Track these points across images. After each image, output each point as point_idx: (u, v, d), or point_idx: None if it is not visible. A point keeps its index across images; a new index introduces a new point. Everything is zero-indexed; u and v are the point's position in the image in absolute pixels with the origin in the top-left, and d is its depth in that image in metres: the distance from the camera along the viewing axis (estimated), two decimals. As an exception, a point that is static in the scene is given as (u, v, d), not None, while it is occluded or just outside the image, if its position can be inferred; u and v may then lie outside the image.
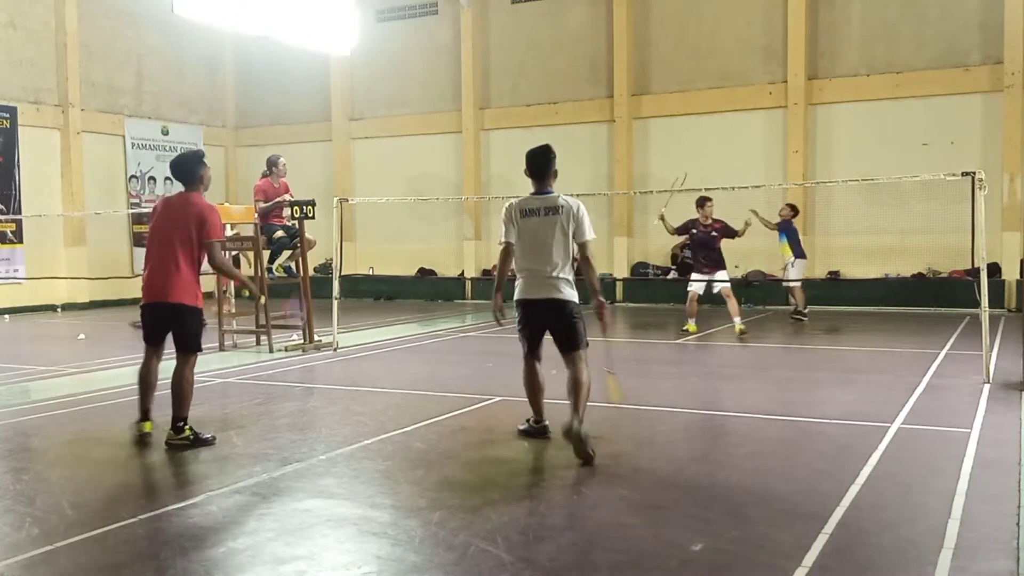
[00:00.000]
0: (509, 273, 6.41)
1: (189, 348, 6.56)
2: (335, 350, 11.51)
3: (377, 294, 20.75)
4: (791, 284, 14.61)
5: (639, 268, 18.78)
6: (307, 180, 19.67)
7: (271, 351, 11.45)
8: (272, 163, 12.22)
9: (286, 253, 12.38)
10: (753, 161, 17.67)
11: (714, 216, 12.84)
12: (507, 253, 6.34)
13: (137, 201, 20.60)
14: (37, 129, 18.60)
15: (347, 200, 13.92)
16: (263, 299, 6.75)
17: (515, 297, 6.32)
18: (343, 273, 12.52)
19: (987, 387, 8.20)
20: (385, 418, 7.38)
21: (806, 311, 14.55)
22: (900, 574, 3.97)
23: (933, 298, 15.87)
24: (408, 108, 21.24)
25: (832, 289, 16.98)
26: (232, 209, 13.12)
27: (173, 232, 6.44)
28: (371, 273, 21.04)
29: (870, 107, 16.97)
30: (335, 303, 11.87)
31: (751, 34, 17.91)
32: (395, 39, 21.07)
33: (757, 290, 17.30)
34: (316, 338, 11.88)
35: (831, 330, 13.81)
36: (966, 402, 7.61)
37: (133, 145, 20.63)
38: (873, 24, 16.99)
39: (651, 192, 17.33)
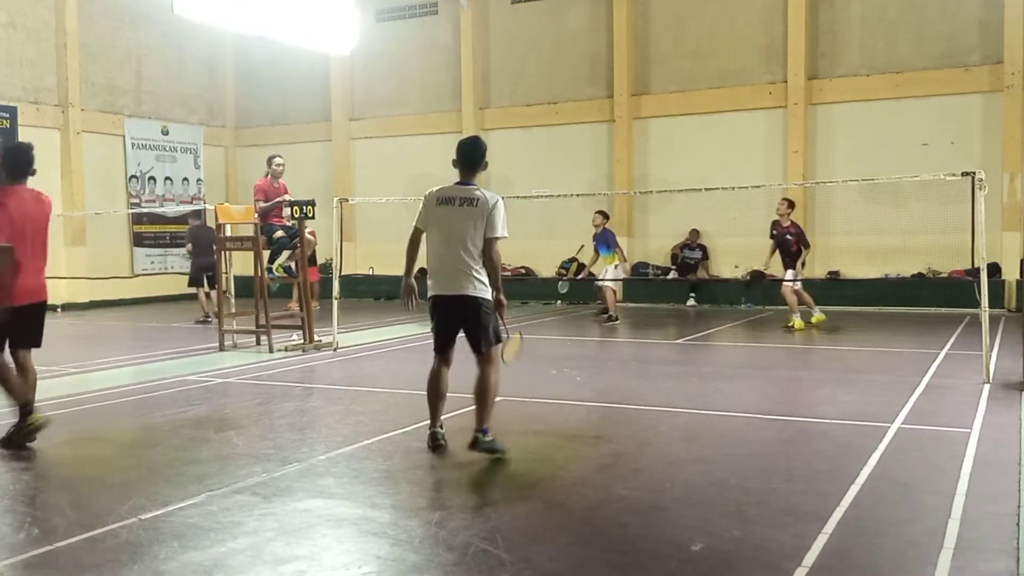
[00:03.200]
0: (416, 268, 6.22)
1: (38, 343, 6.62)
2: (335, 350, 11.51)
3: (377, 294, 20.75)
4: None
5: (639, 268, 18.77)
6: (307, 180, 19.69)
7: (271, 351, 11.45)
8: (269, 163, 12.25)
9: (286, 253, 12.38)
10: (753, 161, 17.66)
11: (787, 219, 13.47)
12: (415, 240, 6.17)
13: (137, 201, 20.59)
14: (37, 129, 18.57)
15: (347, 200, 13.92)
16: None
17: (428, 293, 6.10)
18: (343, 273, 12.52)
19: (987, 387, 8.20)
20: (385, 418, 7.38)
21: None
22: (900, 574, 3.97)
23: (933, 298, 15.86)
24: (408, 108, 21.23)
25: (832, 289, 16.95)
26: (232, 209, 13.14)
27: (39, 230, 6.50)
28: (371, 273, 21.03)
29: (870, 107, 16.96)
30: (335, 303, 11.88)
31: (751, 34, 17.90)
32: (395, 39, 21.06)
33: (757, 289, 17.29)
34: (316, 338, 11.88)
35: (831, 330, 13.79)
36: (966, 402, 7.61)
37: (133, 145, 20.62)
38: (873, 24, 16.98)
39: (651, 192, 17.36)
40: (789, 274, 13.51)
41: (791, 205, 13.74)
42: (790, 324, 13.41)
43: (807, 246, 13.77)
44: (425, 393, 6.20)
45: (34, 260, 6.43)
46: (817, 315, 13.74)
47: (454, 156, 6.18)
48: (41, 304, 6.54)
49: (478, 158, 6.18)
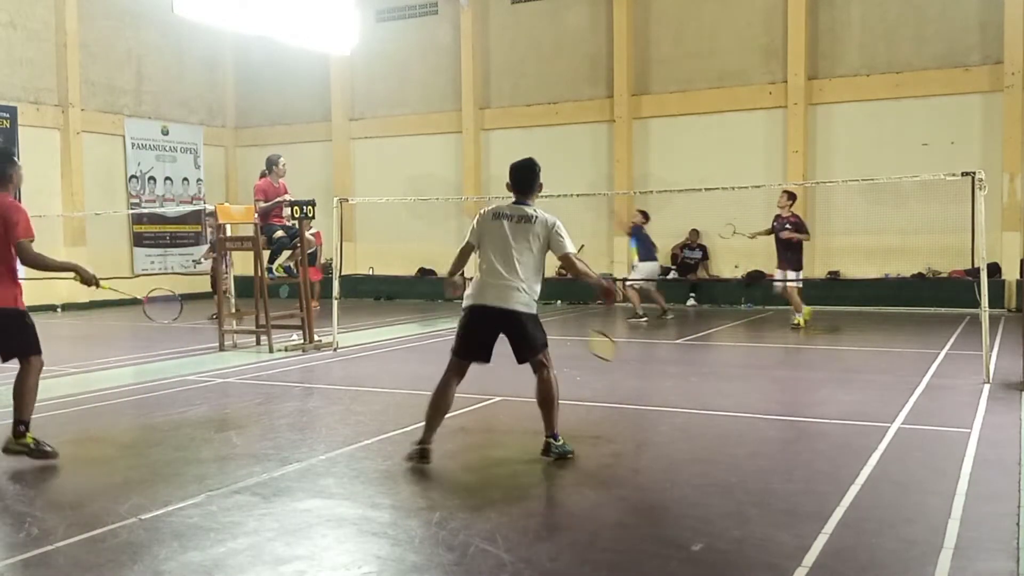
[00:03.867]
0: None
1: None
2: (335, 350, 11.51)
3: (377, 294, 20.75)
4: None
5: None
6: (307, 180, 19.68)
7: (271, 351, 11.45)
8: (271, 163, 12.22)
9: (286, 253, 12.38)
10: (753, 161, 17.66)
11: (788, 211, 13.53)
12: (465, 253, 6.06)
13: (137, 201, 20.59)
14: (37, 129, 18.59)
15: (347, 200, 13.93)
16: (103, 285, 6.35)
17: (466, 302, 5.91)
18: (343, 273, 12.52)
19: (987, 387, 8.20)
20: (385, 418, 7.38)
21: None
22: (900, 574, 3.97)
23: (933, 298, 15.86)
24: (408, 108, 21.23)
25: (832, 289, 16.97)
26: (232, 209, 13.14)
27: None
28: (371, 273, 21.03)
29: (870, 107, 16.96)
30: (335, 303, 11.88)
31: (751, 34, 17.90)
32: (395, 39, 21.06)
33: (757, 289, 17.30)
34: (316, 338, 11.88)
35: (831, 330, 13.79)
36: (966, 402, 7.61)
37: (133, 145, 20.62)
38: (873, 24, 16.98)
39: (651, 192, 17.35)
40: (791, 274, 13.52)
41: (791, 197, 13.69)
42: (795, 322, 13.48)
43: (807, 234, 13.82)
44: (428, 402, 5.89)
45: None
46: (800, 316, 13.65)
47: (507, 180, 6.11)
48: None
49: (533, 179, 6.09)
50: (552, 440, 5.88)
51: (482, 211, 6.07)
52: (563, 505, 5.00)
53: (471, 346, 5.89)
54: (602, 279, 6.20)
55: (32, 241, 6.09)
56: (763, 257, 17.42)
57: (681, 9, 18.48)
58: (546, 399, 5.90)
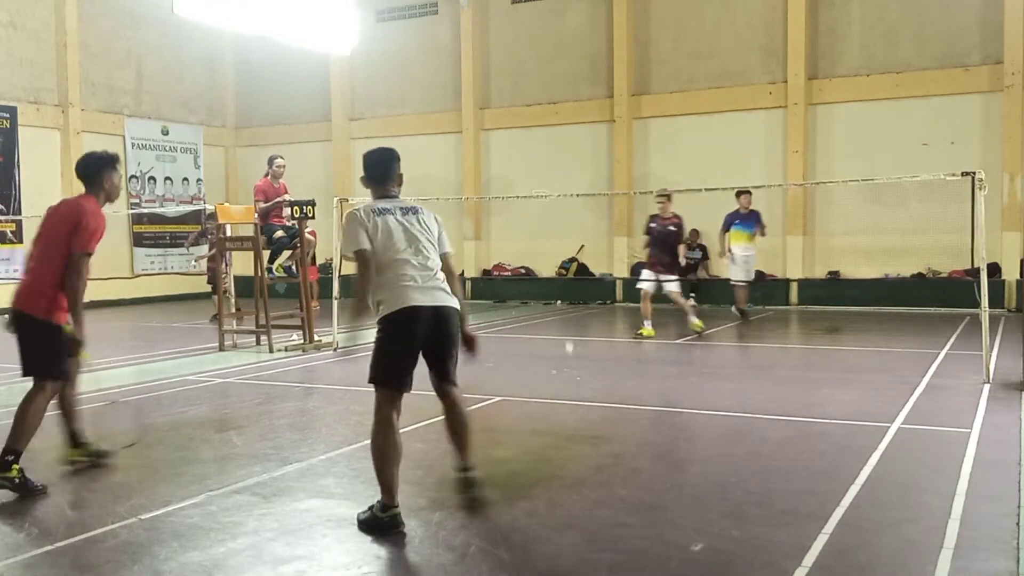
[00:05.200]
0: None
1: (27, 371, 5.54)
2: (335, 350, 11.50)
3: (377, 294, 20.74)
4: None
5: (639, 268, 18.74)
6: (307, 180, 19.67)
7: (271, 351, 11.45)
8: (269, 163, 12.26)
9: (286, 253, 12.39)
10: (753, 161, 17.66)
11: (668, 211, 12.64)
12: (366, 261, 4.77)
13: (137, 201, 20.59)
14: (37, 129, 18.60)
15: (347, 200, 13.91)
16: (85, 356, 5.60)
17: (394, 308, 4.75)
18: (343, 273, 12.51)
19: (987, 387, 8.20)
20: (385, 418, 7.36)
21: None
22: (900, 574, 3.97)
23: (933, 298, 15.86)
24: (408, 108, 21.23)
25: (832, 289, 16.98)
26: (232, 209, 13.14)
27: (49, 238, 5.70)
28: (371, 273, 21.02)
29: (870, 107, 16.96)
30: (335, 303, 11.87)
31: (751, 34, 17.90)
32: (395, 39, 21.06)
33: (757, 290, 17.29)
34: (316, 338, 11.88)
35: (831, 330, 13.80)
36: (966, 402, 7.61)
37: (133, 145, 20.62)
38: (873, 24, 16.98)
39: (651, 192, 17.34)
40: (675, 284, 12.69)
41: (669, 197, 12.87)
42: (642, 332, 12.53)
43: (682, 241, 13.18)
44: (376, 459, 4.73)
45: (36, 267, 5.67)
46: (649, 329, 12.56)
47: (362, 174, 5.10)
48: (19, 313, 5.53)
49: (391, 167, 5.07)
50: (469, 472, 4.94)
51: (353, 212, 4.93)
52: (563, 505, 4.99)
53: (406, 366, 4.80)
54: (470, 330, 5.09)
55: (88, 256, 5.50)
56: (764, 257, 17.42)
57: (681, 9, 18.48)
58: (466, 427, 4.99)
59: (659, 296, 12.93)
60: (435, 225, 5.05)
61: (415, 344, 4.82)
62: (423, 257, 4.86)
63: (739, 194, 14.22)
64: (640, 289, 12.88)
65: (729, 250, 14.61)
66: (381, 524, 4.57)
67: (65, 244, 5.51)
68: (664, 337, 13.01)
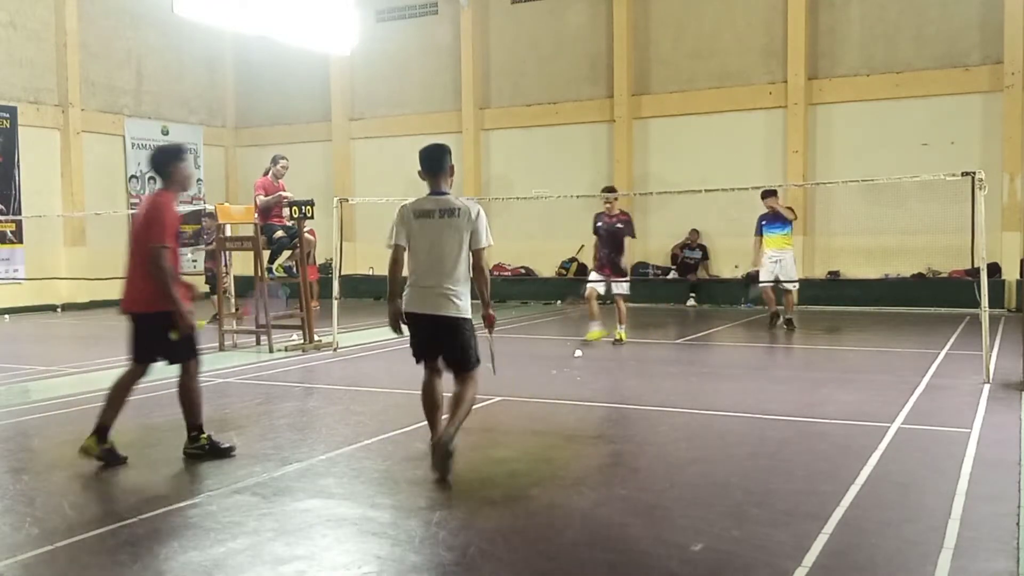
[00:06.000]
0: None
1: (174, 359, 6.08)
2: (335, 350, 11.50)
3: (377, 294, 20.70)
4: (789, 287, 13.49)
5: (639, 268, 18.77)
6: (307, 180, 19.67)
7: (271, 351, 11.45)
8: (274, 162, 12.23)
9: (286, 253, 12.38)
10: (753, 161, 17.67)
11: (615, 207, 11.95)
12: (396, 258, 5.68)
13: (137, 201, 20.58)
14: (37, 129, 18.60)
15: (347, 200, 13.92)
16: (200, 325, 6.29)
17: (405, 308, 5.67)
18: (343, 273, 12.52)
19: (987, 387, 8.20)
20: (385, 418, 7.38)
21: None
22: (900, 574, 3.97)
23: (933, 298, 15.86)
24: (408, 108, 21.24)
25: (832, 289, 16.98)
26: (232, 209, 13.13)
27: (133, 238, 6.10)
28: (371, 273, 21.01)
29: (870, 107, 16.97)
30: (335, 303, 11.87)
31: (751, 34, 17.91)
32: (395, 39, 21.07)
33: (757, 290, 17.29)
34: (316, 338, 11.88)
35: (831, 330, 13.80)
36: (966, 402, 7.61)
37: (133, 145, 20.63)
38: (873, 24, 16.99)
39: (651, 193, 17.37)
40: (625, 287, 12.08)
41: (613, 191, 12.53)
42: (586, 337, 11.81)
43: (633, 236, 12.19)
44: (422, 405, 5.78)
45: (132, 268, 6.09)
46: (597, 331, 11.80)
47: (419, 168, 5.81)
48: (133, 315, 6.10)
49: (444, 161, 5.76)
50: (446, 435, 5.43)
51: (401, 208, 5.74)
52: (563, 505, 4.99)
53: (425, 351, 5.70)
54: (491, 310, 5.81)
55: (166, 249, 5.81)
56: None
57: (681, 9, 18.49)
58: (457, 406, 5.55)
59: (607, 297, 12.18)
60: (469, 225, 5.59)
61: (422, 338, 5.71)
62: (440, 265, 5.56)
63: (764, 196, 13.20)
64: (584, 290, 11.99)
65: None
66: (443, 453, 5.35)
67: (145, 241, 5.89)
68: (664, 337, 13.02)
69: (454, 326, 5.59)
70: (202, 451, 6.05)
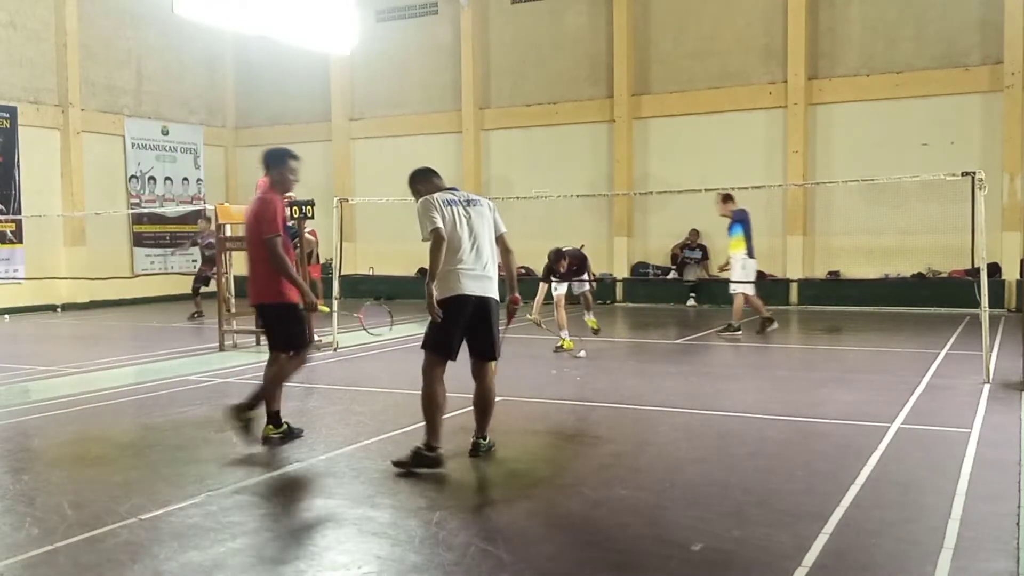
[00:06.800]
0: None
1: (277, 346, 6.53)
2: (335, 350, 11.50)
3: (377, 294, 20.73)
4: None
5: (639, 268, 18.79)
6: (307, 180, 19.56)
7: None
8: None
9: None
10: (753, 161, 17.67)
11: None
12: (441, 239, 5.61)
13: (137, 201, 20.60)
14: (37, 129, 18.60)
15: (347, 200, 13.92)
16: (322, 309, 6.89)
17: (448, 293, 5.64)
18: (343, 273, 12.51)
19: (987, 387, 8.20)
20: (385, 418, 7.38)
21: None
22: (900, 574, 3.97)
23: (933, 298, 15.86)
24: (408, 108, 21.24)
25: (832, 289, 16.98)
26: (232, 209, 13.13)
27: (248, 234, 6.54)
28: (371, 273, 21.03)
29: (870, 107, 16.96)
30: (335, 303, 11.87)
31: (751, 34, 17.91)
32: (395, 39, 21.07)
33: (758, 290, 17.28)
34: (316, 338, 11.86)
35: (831, 330, 13.80)
36: (966, 402, 7.61)
37: (133, 145, 20.63)
38: (873, 24, 16.99)
39: (651, 193, 17.37)
40: (587, 285, 11.67)
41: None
42: (560, 345, 11.25)
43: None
44: (426, 406, 5.68)
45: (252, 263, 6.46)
46: (569, 340, 11.21)
47: (418, 184, 6.06)
48: (259, 306, 6.54)
49: (431, 176, 6.08)
50: (483, 441, 5.99)
51: (429, 197, 5.80)
52: (563, 505, 4.99)
53: (456, 343, 5.76)
54: (517, 294, 6.09)
55: (278, 237, 6.22)
56: (764, 257, 17.39)
57: (681, 9, 18.49)
58: (489, 405, 5.97)
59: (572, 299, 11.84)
60: (489, 213, 5.90)
61: (462, 325, 5.70)
62: (478, 248, 5.72)
63: (729, 199, 12.78)
64: (556, 294, 11.47)
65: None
66: (426, 459, 5.53)
67: (258, 235, 6.27)
68: (664, 337, 13.01)
69: (496, 309, 5.82)
70: (282, 436, 6.41)
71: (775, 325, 12.77)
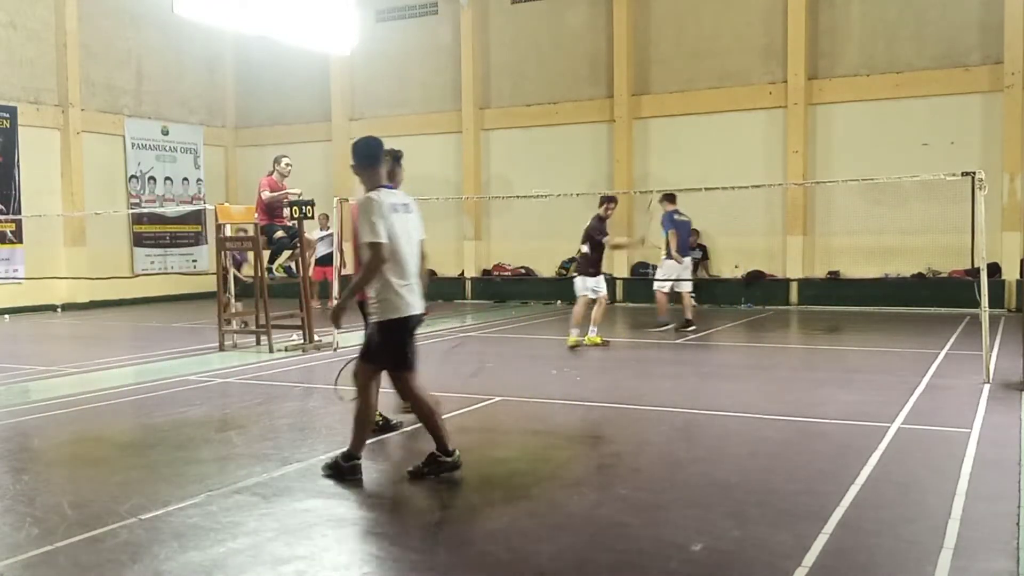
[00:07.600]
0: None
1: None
2: (335, 350, 11.50)
3: (377, 294, 20.75)
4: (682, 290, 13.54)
5: (639, 268, 18.78)
6: (307, 180, 19.62)
7: (271, 351, 11.45)
8: (276, 162, 12.19)
9: (286, 253, 12.37)
10: (753, 161, 17.66)
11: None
12: (381, 262, 5.24)
13: (137, 201, 20.59)
14: (37, 129, 18.60)
15: (347, 200, 13.91)
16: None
17: (396, 314, 5.34)
18: (344, 273, 12.51)
19: (987, 387, 8.20)
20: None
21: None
22: (900, 574, 3.97)
23: (933, 298, 15.86)
24: (408, 108, 21.24)
25: (832, 289, 16.98)
26: (232, 209, 13.13)
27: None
28: (371, 273, 21.01)
29: (870, 107, 16.96)
30: (335, 303, 11.85)
31: (751, 34, 17.90)
32: (395, 39, 21.07)
33: (757, 289, 17.32)
34: (316, 338, 11.87)
35: (831, 330, 13.80)
36: (966, 402, 7.61)
37: (133, 145, 20.63)
38: (873, 24, 16.99)
39: (651, 192, 17.34)
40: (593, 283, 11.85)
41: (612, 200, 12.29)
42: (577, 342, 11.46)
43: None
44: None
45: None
46: (576, 337, 11.44)
47: (353, 161, 5.53)
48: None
49: (381, 155, 5.53)
50: (447, 456, 5.52)
51: (377, 201, 5.29)
52: (563, 505, 4.99)
53: (412, 355, 5.51)
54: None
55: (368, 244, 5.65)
56: (764, 257, 17.48)
57: (681, 9, 18.48)
58: (436, 412, 5.56)
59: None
60: (419, 218, 5.61)
61: (410, 341, 5.53)
62: (414, 260, 5.46)
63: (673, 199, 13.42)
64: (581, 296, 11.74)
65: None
66: (343, 470, 5.44)
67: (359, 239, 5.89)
68: (664, 337, 13.01)
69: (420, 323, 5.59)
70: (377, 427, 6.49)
71: (673, 326, 13.37)
